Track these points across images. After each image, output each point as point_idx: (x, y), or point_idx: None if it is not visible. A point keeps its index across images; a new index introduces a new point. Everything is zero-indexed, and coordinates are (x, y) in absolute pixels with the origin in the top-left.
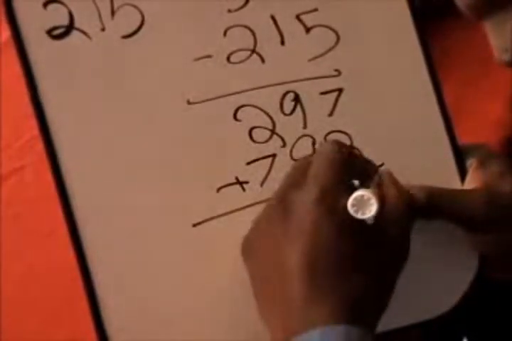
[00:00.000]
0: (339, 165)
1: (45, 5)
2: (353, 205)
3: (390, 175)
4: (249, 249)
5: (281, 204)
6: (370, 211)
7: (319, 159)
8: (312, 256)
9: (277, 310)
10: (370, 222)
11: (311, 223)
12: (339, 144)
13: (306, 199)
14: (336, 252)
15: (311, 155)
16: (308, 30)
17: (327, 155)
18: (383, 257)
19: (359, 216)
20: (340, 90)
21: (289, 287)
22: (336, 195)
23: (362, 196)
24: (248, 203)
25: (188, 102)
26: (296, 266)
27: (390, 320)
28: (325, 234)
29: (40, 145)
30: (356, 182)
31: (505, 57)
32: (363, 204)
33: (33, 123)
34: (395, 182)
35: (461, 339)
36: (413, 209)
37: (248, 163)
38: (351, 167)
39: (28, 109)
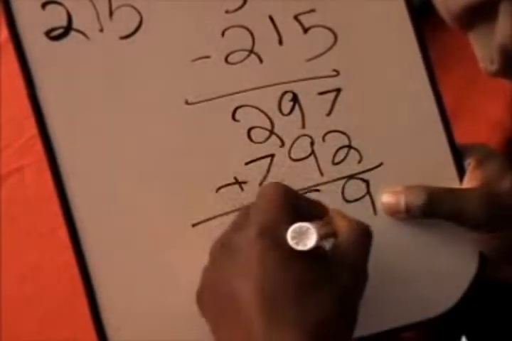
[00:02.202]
0: (278, 200)
1: (43, 6)
2: (293, 238)
3: (340, 211)
4: (204, 297)
5: (224, 246)
6: (310, 241)
7: (260, 199)
8: (264, 291)
9: None
10: (313, 247)
11: (256, 258)
12: (278, 184)
13: (247, 237)
14: (286, 283)
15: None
16: (306, 30)
17: (268, 194)
18: (338, 282)
19: (300, 248)
20: (338, 90)
21: (248, 326)
22: (277, 228)
23: (300, 227)
24: (247, 203)
25: (187, 103)
26: (251, 303)
27: (390, 320)
28: (271, 267)
29: (40, 145)
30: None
31: (492, 67)
32: (303, 236)
33: (32, 123)
34: (345, 216)
35: (460, 338)
36: (367, 238)
37: (247, 163)
38: (293, 204)
39: (28, 109)
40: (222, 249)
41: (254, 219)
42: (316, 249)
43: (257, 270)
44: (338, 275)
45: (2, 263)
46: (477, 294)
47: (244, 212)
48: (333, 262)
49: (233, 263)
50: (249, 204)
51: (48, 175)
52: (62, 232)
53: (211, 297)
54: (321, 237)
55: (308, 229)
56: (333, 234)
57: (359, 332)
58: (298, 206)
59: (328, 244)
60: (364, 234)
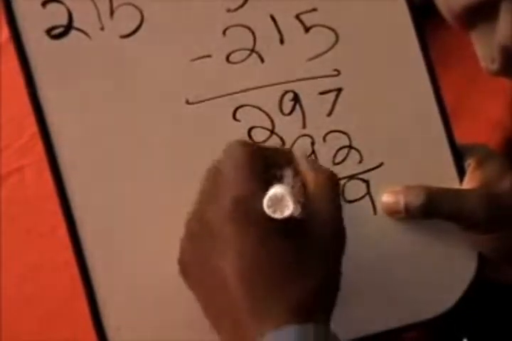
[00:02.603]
0: (248, 165)
1: (44, 4)
2: (268, 207)
3: (305, 158)
4: (186, 269)
5: (200, 221)
6: (287, 208)
7: (228, 163)
8: (245, 267)
9: (226, 324)
10: (298, 214)
11: (233, 235)
12: (241, 143)
13: (222, 211)
14: (266, 257)
15: (218, 161)
16: (307, 29)
17: (235, 159)
18: (318, 247)
19: (278, 216)
20: (339, 90)
21: (231, 300)
22: (251, 199)
23: (275, 195)
24: None
25: (187, 102)
26: (233, 279)
27: (390, 320)
28: (250, 242)
29: (40, 145)
30: (276, 173)
31: (493, 66)
32: (279, 203)
33: (33, 123)
34: (312, 166)
35: (461, 339)
36: (336, 187)
37: None
38: (262, 161)
39: (28, 108)
40: (198, 224)
41: (226, 190)
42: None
43: (235, 246)
44: (315, 237)
45: (2, 263)
46: (477, 295)
47: (213, 177)
48: (308, 223)
49: (210, 240)
50: (216, 168)
51: (47, 175)
52: (62, 232)
53: (194, 271)
54: (296, 200)
55: (283, 196)
56: (303, 186)
57: (359, 332)
58: (264, 161)
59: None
60: (332, 184)
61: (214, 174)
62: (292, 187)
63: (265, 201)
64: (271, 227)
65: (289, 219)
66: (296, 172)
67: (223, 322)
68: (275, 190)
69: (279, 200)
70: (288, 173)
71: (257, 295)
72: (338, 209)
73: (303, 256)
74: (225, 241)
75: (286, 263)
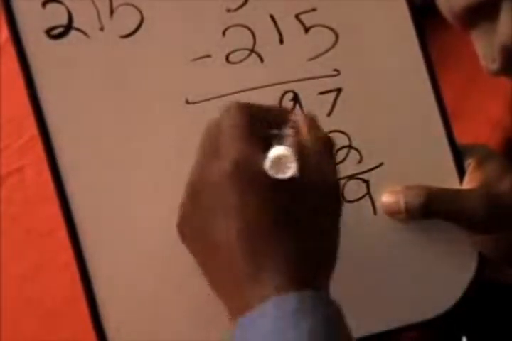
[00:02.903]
0: (246, 127)
1: (43, 4)
2: (271, 167)
3: (305, 119)
4: (184, 229)
5: (200, 182)
6: (290, 169)
7: (225, 127)
8: (245, 229)
9: (227, 288)
10: (295, 174)
11: (235, 197)
12: (239, 104)
13: (223, 174)
14: (268, 219)
15: (216, 122)
16: (307, 29)
17: (234, 120)
18: (316, 208)
19: (280, 176)
20: (339, 90)
21: (232, 263)
22: (250, 161)
23: (277, 156)
24: None
25: (187, 102)
26: (233, 242)
27: (390, 320)
28: (252, 203)
29: (40, 145)
30: (274, 132)
31: (493, 66)
32: (281, 164)
33: (32, 123)
34: (310, 127)
35: (461, 339)
36: (330, 150)
37: None
38: (261, 121)
39: (28, 109)
40: (199, 186)
41: (226, 151)
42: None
43: (236, 205)
44: (312, 197)
45: (2, 263)
46: (477, 295)
47: (212, 137)
48: (305, 183)
49: (211, 199)
50: (215, 128)
51: (48, 175)
52: (62, 232)
53: (194, 234)
54: (297, 160)
55: (286, 156)
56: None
57: (359, 332)
58: (262, 121)
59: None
60: (326, 147)
61: (213, 133)
62: (292, 146)
63: (267, 162)
64: (271, 186)
65: (289, 179)
66: (295, 132)
67: (223, 284)
68: (277, 150)
69: (281, 161)
70: (287, 133)
71: (259, 259)
72: (334, 171)
73: (302, 212)
74: (225, 204)
75: (287, 222)
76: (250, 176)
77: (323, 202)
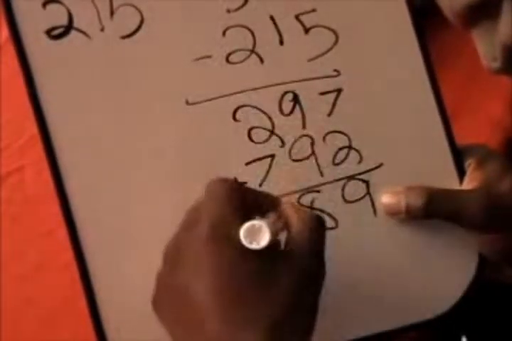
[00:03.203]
0: (228, 198)
1: (44, 5)
2: (245, 237)
3: (292, 204)
4: (160, 302)
5: (176, 248)
6: (264, 239)
7: (207, 196)
8: (218, 293)
9: None
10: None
11: (208, 259)
12: (221, 179)
13: (198, 237)
14: (240, 282)
15: (199, 201)
16: (307, 30)
17: (214, 191)
18: (294, 281)
19: (254, 246)
20: (339, 90)
21: (203, 326)
22: (228, 226)
23: (253, 225)
24: None
25: (187, 102)
26: (205, 304)
27: (390, 320)
28: (224, 267)
29: (40, 145)
30: (257, 217)
31: (495, 65)
32: (256, 234)
33: (32, 123)
34: (297, 211)
35: (461, 339)
36: (320, 228)
37: (247, 164)
38: (245, 200)
39: (28, 109)
40: (175, 251)
41: (204, 218)
42: (270, 245)
43: (210, 270)
44: (292, 270)
45: (2, 263)
46: (477, 295)
47: (194, 210)
48: (287, 257)
49: (186, 264)
50: (197, 203)
51: (47, 175)
52: (62, 232)
53: (167, 300)
54: (274, 234)
55: (260, 226)
56: (286, 227)
57: (359, 332)
58: (247, 200)
59: (282, 238)
60: (316, 225)
61: (195, 206)
62: (273, 223)
63: (242, 231)
64: (247, 254)
65: (266, 249)
66: (279, 217)
67: None
68: (252, 221)
69: (256, 231)
70: (270, 216)
71: (228, 319)
72: (320, 247)
73: (277, 283)
74: (198, 268)
75: (259, 288)
76: (225, 242)
77: (303, 271)
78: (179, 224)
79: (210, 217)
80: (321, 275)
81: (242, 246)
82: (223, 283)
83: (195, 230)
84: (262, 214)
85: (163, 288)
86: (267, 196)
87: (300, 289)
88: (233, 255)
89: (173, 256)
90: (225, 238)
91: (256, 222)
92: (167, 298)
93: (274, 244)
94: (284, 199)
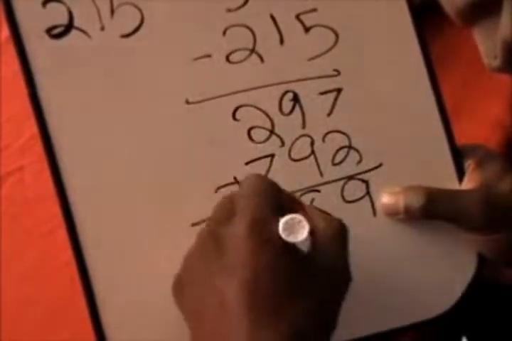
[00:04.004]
0: (265, 194)
1: (44, 4)
2: (284, 229)
3: (314, 208)
4: (182, 287)
5: (212, 239)
6: (302, 233)
7: (244, 191)
8: (252, 290)
9: None
10: (304, 247)
11: (246, 255)
12: (262, 177)
13: (237, 232)
14: (275, 282)
15: (234, 193)
16: (307, 29)
17: (251, 186)
18: (323, 283)
19: (291, 239)
20: (339, 90)
21: (230, 324)
22: (267, 222)
23: (292, 219)
24: None
25: (187, 102)
26: (235, 301)
27: (389, 320)
28: (262, 264)
29: (40, 145)
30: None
31: (495, 63)
32: (294, 227)
33: (32, 123)
34: (320, 213)
35: (460, 339)
36: (344, 235)
37: (247, 163)
38: (277, 197)
39: (28, 109)
40: (210, 242)
41: (242, 213)
42: (302, 245)
43: (246, 268)
44: (322, 272)
45: (2, 263)
46: (477, 295)
47: (227, 202)
48: (317, 258)
49: (220, 259)
50: (234, 194)
51: (47, 175)
52: (62, 232)
53: (192, 289)
54: (311, 229)
55: (300, 221)
56: (312, 230)
57: (359, 332)
58: (281, 198)
59: (304, 246)
60: (340, 231)
61: (228, 199)
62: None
63: (281, 224)
64: (284, 252)
65: (299, 250)
66: (307, 215)
67: None
68: (292, 215)
69: (295, 224)
70: (302, 214)
71: (257, 319)
72: (344, 252)
73: (309, 283)
74: (235, 262)
75: (292, 288)
76: (263, 237)
77: (331, 279)
78: (212, 214)
79: (249, 213)
80: (347, 281)
81: (279, 245)
82: (257, 284)
83: (234, 225)
84: (291, 210)
85: (191, 272)
86: (295, 199)
87: (328, 293)
88: (269, 256)
89: (208, 245)
90: (263, 236)
91: (295, 216)
92: (194, 288)
93: (304, 242)
94: (307, 205)
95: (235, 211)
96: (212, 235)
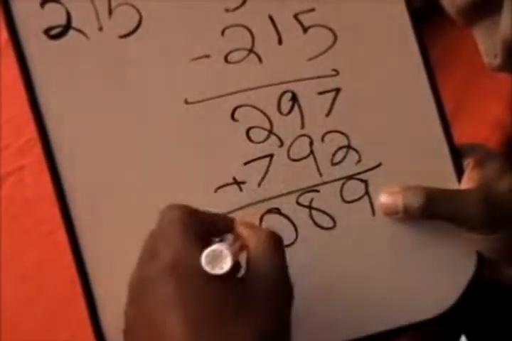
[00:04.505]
0: (184, 226)
1: (42, 4)
2: (207, 263)
3: (247, 222)
4: (128, 335)
5: (139, 281)
6: (226, 264)
7: (163, 224)
8: (188, 323)
9: None
10: (238, 272)
11: (174, 292)
12: (176, 205)
13: (160, 269)
14: (208, 310)
15: (154, 229)
16: (305, 29)
17: (169, 219)
18: (264, 302)
19: (217, 271)
20: (337, 90)
21: None
22: (188, 256)
23: (213, 251)
24: (245, 203)
25: (186, 102)
26: (177, 337)
27: (389, 320)
28: (190, 297)
29: (39, 146)
30: (215, 239)
31: (495, 62)
32: (218, 259)
33: (33, 123)
34: (253, 229)
35: (460, 338)
36: (276, 246)
37: (245, 163)
38: (199, 225)
39: (28, 109)
40: (139, 284)
41: (163, 247)
42: (232, 269)
43: (178, 301)
44: (257, 291)
45: (2, 263)
46: (477, 295)
47: (151, 239)
48: (249, 279)
49: (152, 298)
50: (153, 231)
51: (47, 175)
52: (62, 232)
53: (137, 336)
54: (235, 256)
55: (221, 251)
56: (244, 247)
57: (358, 332)
58: (203, 224)
59: (242, 258)
60: (273, 242)
61: (151, 238)
62: (232, 245)
63: (203, 257)
64: (210, 281)
65: (229, 274)
66: (237, 237)
67: None
68: (213, 247)
69: (217, 256)
70: (228, 237)
71: None
72: (281, 264)
73: (246, 306)
74: (166, 298)
75: (227, 315)
76: (188, 271)
77: (267, 294)
78: (139, 255)
79: (169, 246)
80: (288, 293)
81: (206, 273)
82: (193, 313)
83: (156, 262)
84: (219, 235)
85: (132, 323)
86: (221, 217)
87: (269, 312)
88: (197, 285)
89: (138, 290)
90: (187, 268)
91: (216, 247)
92: (137, 334)
93: (235, 265)
94: (238, 218)
95: (157, 249)
96: (137, 277)
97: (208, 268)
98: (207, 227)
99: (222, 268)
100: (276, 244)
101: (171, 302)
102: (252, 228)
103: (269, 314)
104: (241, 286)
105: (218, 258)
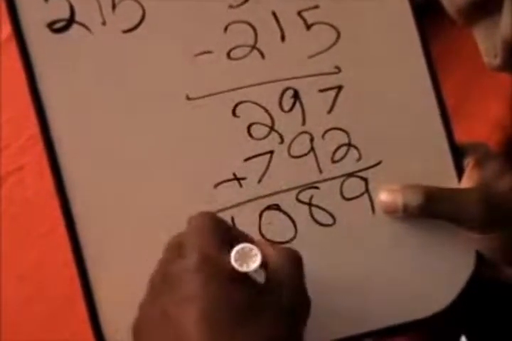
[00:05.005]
0: (212, 231)
1: None
2: (236, 259)
3: (264, 241)
4: (140, 332)
5: (161, 278)
6: (254, 262)
7: (193, 229)
8: (206, 322)
9: None
10: (259, 278)
11: (199, 288)
12: (209, 214)
13: (188, 267)
14: (229, 310)
15: (181, 233)
16: (308, 26)
17: (198, 224)
18: (278, 316)
19: (244, 269)
20: (339, 87)
21: None
22: (217, 254)
23: (243, 248)
24: (245, 199)
25: (188, 98)
26: (194, 331)
27: (388, 318)
28: (216, 295)
29: (40, 145)
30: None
31: (495, 62)
32: (246, 257)
33: (33, 123)
34: (273, 245)
35: (460, 338)
36: (297, 263)
37: (246, 160)
38: (225, 233)
39: (28, 108)
40: (159, 280)
41: (191, 248)
42: (256, 275)
43: (198, 298)
44: (275, 299)
45: (2, 263)
46: (476, 294)
47: (177, 241)
48: (269, 286)
49: (174, 293)
50: (181, 234)
51: (48, 175)
52: (62, 232)
53: (149, 329)
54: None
55: (251, 249)
56: (264, 263)
57: (355, 330)
58: (229, 231)
59: (258, 276)
60: (294, 259)
61: (177, 239)
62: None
63: (233, 254)
64: (235, 282)
65: (253, 281)
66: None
67: None
68: (244, 244)
69: (247, 253)
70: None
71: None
72: (299, 278)
73: (265, 311)
74: (188, 296)
75: (247, 317)
76: (215, 270)
77: (285, 303)
78: (163, 255)
79: (197, 247)
80: (305, 308)
81: (232, 273)
82: (210, 310)
83: (183, 260)
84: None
85: (146, 317)
86: (243, 233)
87: (283, 324)
88: (223, 282)
89: (161, 286)
90: (214, 267)
91: (246, 245)
92: (149, 328)
93: (257, 270)
94: (257, 239)
95: (184, 249)
96: (161, 274)
97: (236, 265)
98: (233, 236)
99: (250, 266)
100: (295, 260)
101: (191, 297)
102: (272, 245)
103: (284, 322)
104: (261, 291)
105: (247, 257)
